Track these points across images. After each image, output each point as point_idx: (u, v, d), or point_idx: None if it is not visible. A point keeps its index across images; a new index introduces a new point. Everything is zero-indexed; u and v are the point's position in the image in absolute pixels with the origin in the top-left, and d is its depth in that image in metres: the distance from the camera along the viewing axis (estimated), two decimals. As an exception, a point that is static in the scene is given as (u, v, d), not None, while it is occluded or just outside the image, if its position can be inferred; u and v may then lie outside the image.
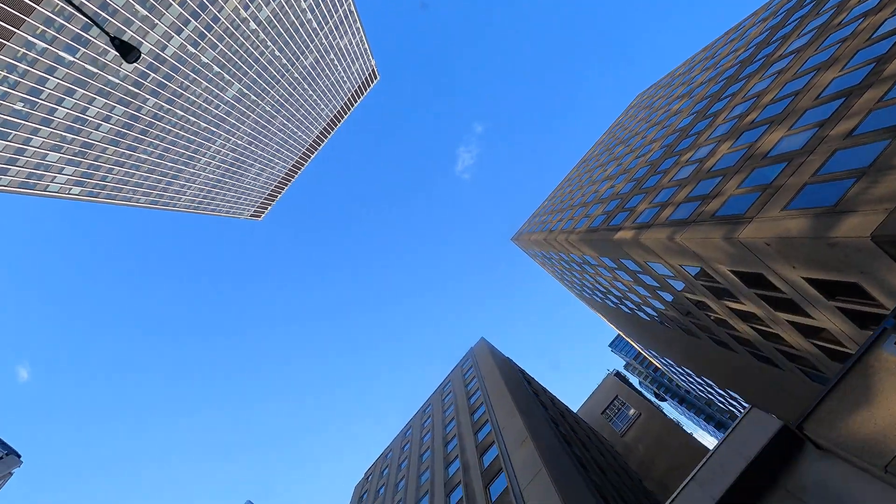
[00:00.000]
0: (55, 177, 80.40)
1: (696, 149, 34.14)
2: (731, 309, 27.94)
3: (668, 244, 26.98)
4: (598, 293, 61.95)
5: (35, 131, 71.11)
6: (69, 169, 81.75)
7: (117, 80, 76.99)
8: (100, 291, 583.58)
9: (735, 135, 29.25)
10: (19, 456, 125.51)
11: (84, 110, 75.73)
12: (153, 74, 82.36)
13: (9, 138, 68.21)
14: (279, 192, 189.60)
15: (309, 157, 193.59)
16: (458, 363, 67.97)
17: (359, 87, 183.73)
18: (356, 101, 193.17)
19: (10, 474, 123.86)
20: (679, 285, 32.31)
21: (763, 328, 26.67)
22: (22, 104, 66.66)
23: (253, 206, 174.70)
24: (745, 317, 27.55)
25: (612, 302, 59.53)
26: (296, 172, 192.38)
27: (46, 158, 76.25)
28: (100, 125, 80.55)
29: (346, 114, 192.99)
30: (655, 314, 46.12)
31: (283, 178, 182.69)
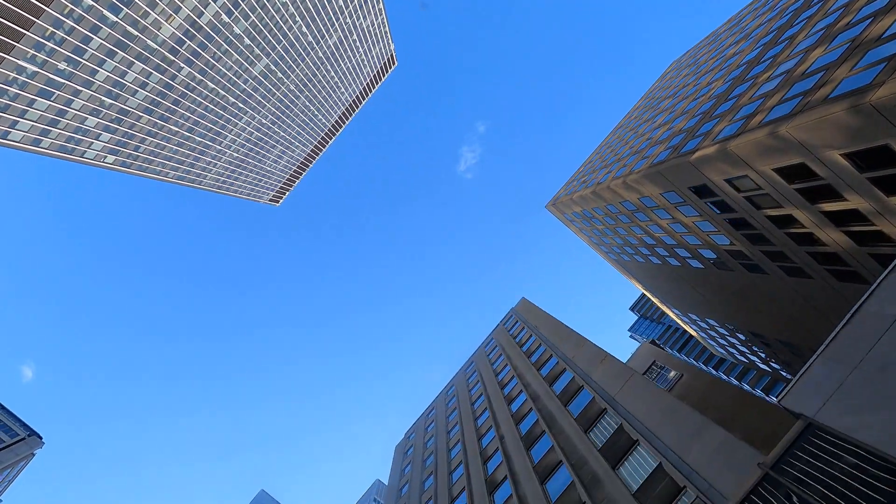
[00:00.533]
0: (92, 143, 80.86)
1: (775, 67, 33.80)
2: (825, 213, 27.58)
3: (765, 143, 26.65)
4: (642, 250, 61.56)
5: (76, 93, 71.52)
6: (105, 136, 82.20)
7: (155, 46, 77.33)
8: (108, 287, 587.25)
9: (828, 39, 28.91)
10: (41, 437, 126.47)
11: (123, 74, 76.12)
12: (188, 42, 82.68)
13: (52, 98, 68.67)
14: (297, 178, 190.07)
15: (326, 143, 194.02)
16: (500, 322, 67.81)
17: (378, 71, 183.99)
18: (374, 87, 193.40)
19: (33, 455, 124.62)
20: (758, 203, 31.98)
21: (864, 228, 26.31)
22: (66, 63, 67.06)
23: (272, 190, 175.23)
24: (842, 219, 27.19)
25: (657, 258, 59.13)
26: (313, 159, 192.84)
27: (85, 123, 76.70)
28: (136, 91, 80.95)
29: (364, 99, 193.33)
30: (714, 256, 45.72)
31: (301, 163, 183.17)
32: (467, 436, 44.65)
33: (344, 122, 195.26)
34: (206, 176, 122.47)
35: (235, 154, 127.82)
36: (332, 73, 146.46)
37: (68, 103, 71.58)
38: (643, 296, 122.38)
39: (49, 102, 68.60)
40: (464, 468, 39.25)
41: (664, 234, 50.60)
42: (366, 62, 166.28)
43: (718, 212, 38.02)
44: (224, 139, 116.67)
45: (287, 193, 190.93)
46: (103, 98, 76.21)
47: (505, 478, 32.30)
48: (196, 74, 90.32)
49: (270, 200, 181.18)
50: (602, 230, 68.30)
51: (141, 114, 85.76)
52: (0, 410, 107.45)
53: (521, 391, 41.63)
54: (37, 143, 71.48)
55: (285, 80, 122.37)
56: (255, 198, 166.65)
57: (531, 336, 51.33)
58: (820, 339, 43.09)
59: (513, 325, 60.87)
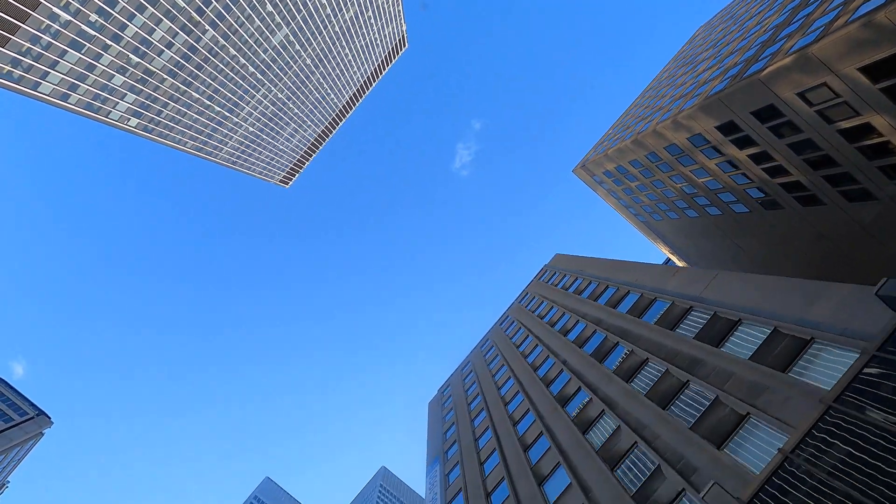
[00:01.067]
0: (117, 103, 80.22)
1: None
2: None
3: (857, 37, 26.60)
4: (678, 204, 61.59)
5: (105, 47, 70.91)
6: (130, 96, 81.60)
7: (183, 4, 76.76)
8: (109, 282, 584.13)
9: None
10: (49, 417, 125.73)
11: (150, 32, 75.52)
12: (214, 2, 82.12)
13: (82, 51, 68.05)
14: (306, 160, 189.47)
15: (335, 126, 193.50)
16: (534, 278, 67.78)
17: (389, 52, 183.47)
18: (384, 69, 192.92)
19: (42, 434, 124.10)
20: (830, 116, 31.96)
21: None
22: (97, 15, 66.46)
23: (283, 170, 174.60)
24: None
25: (695, 210, 59.16)
26: (322, 141, 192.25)
27: (112, 80, 76.06)
28: (162, 51, 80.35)
29: (374, 81, 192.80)
30: (762, 195, 45.76)
31: (311, 144, 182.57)
32: (519, 370, 44.62)
33: (353, 106, 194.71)
34: (222, 149, 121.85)
35: (251, 129, 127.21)
36: (347, 51, 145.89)
37: (97, 58, 70.93)
38: (667, 261, 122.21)
39: (79, 55, 67.95)
40: (523, 395, 39.20)
41: (709, 177, 50.60)
42: (378, 41, 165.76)
43: (779, 137, 38.02)
44: (241, 111, 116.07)
45: (297, 175, 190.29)
46: (130, 55, 75.59)
47: (578, 389, 32.25)
48: (219, 38, 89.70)
49: (281, 181, 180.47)
50: (635, 187, 68.29)
51: (165, 76, 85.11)
52: (9, 390, 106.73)
53: (577, 321, 41.60)
54: (65, 97, 70.85)
55: (302, 54, 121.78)
56: (266, 177, 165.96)
57: (577, 279, 51.32)
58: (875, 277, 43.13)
59: (551, 277, 60.84)
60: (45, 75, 65.67)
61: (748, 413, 18.92)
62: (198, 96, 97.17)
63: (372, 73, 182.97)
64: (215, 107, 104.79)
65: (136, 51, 75.92)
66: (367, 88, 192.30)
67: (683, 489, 18.59)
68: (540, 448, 30.81)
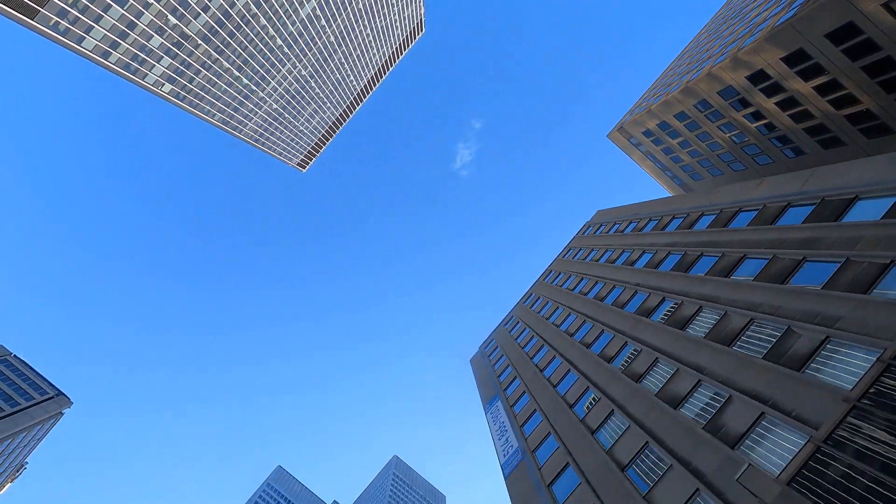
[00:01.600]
0: (154, 66, 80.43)
1: None
2: None
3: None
4: (724, 157, 61.28)
5: (146, 5, 71.13)
6: (166, 60, 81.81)
7: (220, -35, 76.91)
8: (111, 279, 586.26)
9: None
10: (69, 398, 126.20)
11: (189, -8, 75.71)
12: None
13: (125, 7, 68.24)
14: (323, 144, 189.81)
15: (351, 111, 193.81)
16: (578, 232, 67.60)
17: (407, 36, 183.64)
18: (401, 54, 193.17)
19: (61, 414, 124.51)
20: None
21: None
22: (140, -30, 66.66)
23: (301, 153, 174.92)
24: None
25: (743, 163, 58.82)
26: (338, 127, 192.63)
27: (150, 41, 76.28)
28: (198, 14, 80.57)
29: (390, 67, 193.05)
30: (826, 130, 45.43)
31: (328, 128, 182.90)
32: (578, 305, 44.46)
33: (368, 92, 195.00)
34: (247, 125, 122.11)
35: (274, 105, 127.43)
36: (368, 30, 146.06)
37: (139, 15, 71.17)
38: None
39: (122, 11, 68.16)
40: (591, 324, 39.01)
41: (764, 120, 50.22)
42: (398, 22, 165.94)
43: (853, 60, 37.75)
44: (266, 86, 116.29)
45: (313, 160, 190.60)
46: (169, 16, 75.77)
47: (662, 300, 32.06)
48: (252, 6, 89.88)
49: (298, 164, 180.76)
50: (677, 144, 67.99)
51: (199, 41, 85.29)
52: (29, 370, 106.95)
53: (643, 251, 41.41)
54: (106, 55, 71.05)
55: (327, 29, 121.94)
56: (285, 159, 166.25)
57: (631, 222, 51.15)
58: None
59: (597, 229, 60.67)
60: (89, 29, 65.84)
61: (891, 261, 18.72)
62: (228, 66, 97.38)
63: (389, 57, 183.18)
64: (243, 79, 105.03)
65: (174, 11, 76.11)
66: (383, 74, 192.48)
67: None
68: (625, 352, 30.65)
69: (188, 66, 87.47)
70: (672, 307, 30.21)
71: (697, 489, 18.39)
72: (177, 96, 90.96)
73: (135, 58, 76.04)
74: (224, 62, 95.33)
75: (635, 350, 29.97)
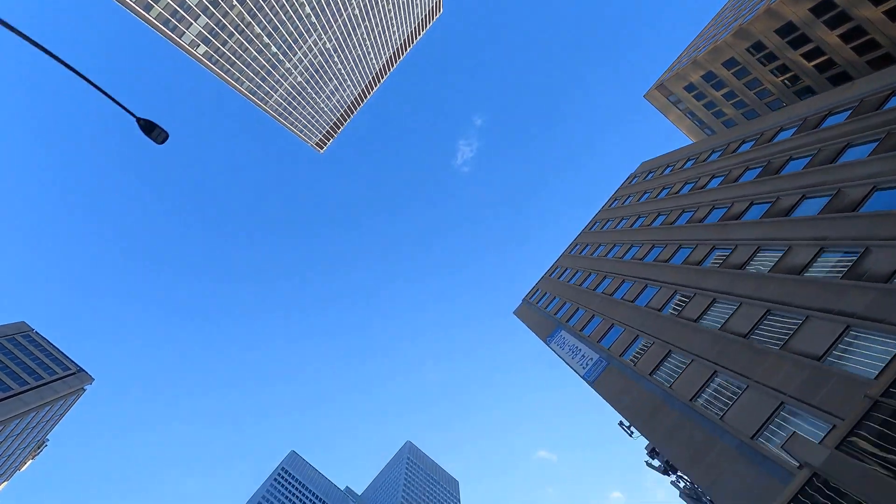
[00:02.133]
0: (191, 24, 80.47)
1: None
2: None
3: None
4: (773, 105, 60.67)
5: (188, -42, 71.13)
6: (203, 19, 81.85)
7: (259, -78, 76.74)
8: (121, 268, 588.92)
9: None
10: (90, 375, 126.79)
11: (228, -53, 75.56)
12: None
13: (167, -43, 68.26)
14: (341, 125, 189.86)
15: (368, 93, 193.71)
16: (626, 180, 67.27)
17: (426, 15, 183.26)
18: (419, 34, 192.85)
19: (83, 390, 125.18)
20: None
21: None
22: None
23: (320, 132, 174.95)
24: None
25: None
26: (355, 108, 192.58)
27: (189, -1, 76.36)
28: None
29: (408, 47, 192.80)
30: (893, 51, 44.80)
31: (346, 108, 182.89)
32: (650, 235, 44.20)
33: (386, 72, 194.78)
34: (272, 96, 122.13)
35: (299, 78, 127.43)
36: (391, 4, 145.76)
37: (180, -31, 71.19)
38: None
39: (164, -39, 68.18)
40: (661, 246, 38.79)
41: (824, 56, 49.62)
42: (417, 1, 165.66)
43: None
44: (293, 56, 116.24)
45: (331, 141, 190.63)
46: (208, -28, 75.75)
47: (750, 204, 31.78)
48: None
49: (316, 144, 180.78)
50: (721, 97, 67.39)
51: (234, 2, 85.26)
52: (52, 347, 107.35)
53: (711, 176, 41.11)
54: (148, 8, 71.09)
55: (353, 1, 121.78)
56: (305, 137, 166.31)
57: (689, 159, 50.79)
58: None
59: (644, 178, 60.34)
60: (133, -21, 65.96)
61: None
62: (259, 31, 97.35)
63: (409, 35, 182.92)
64: (272, 46, 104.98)
65: (213, -32, 76.09)
66: (402, 53, 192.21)
67: None
68: (715, 252, 30.43)
69: (222, 27, 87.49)
70: (766, 198, 29.99)
71: (846, 327, 18.22)
72: (210, 59, 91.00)
73: (174, 13, 76.09)
74: (256, 27, 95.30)
75: (730, 245, 29.76)
